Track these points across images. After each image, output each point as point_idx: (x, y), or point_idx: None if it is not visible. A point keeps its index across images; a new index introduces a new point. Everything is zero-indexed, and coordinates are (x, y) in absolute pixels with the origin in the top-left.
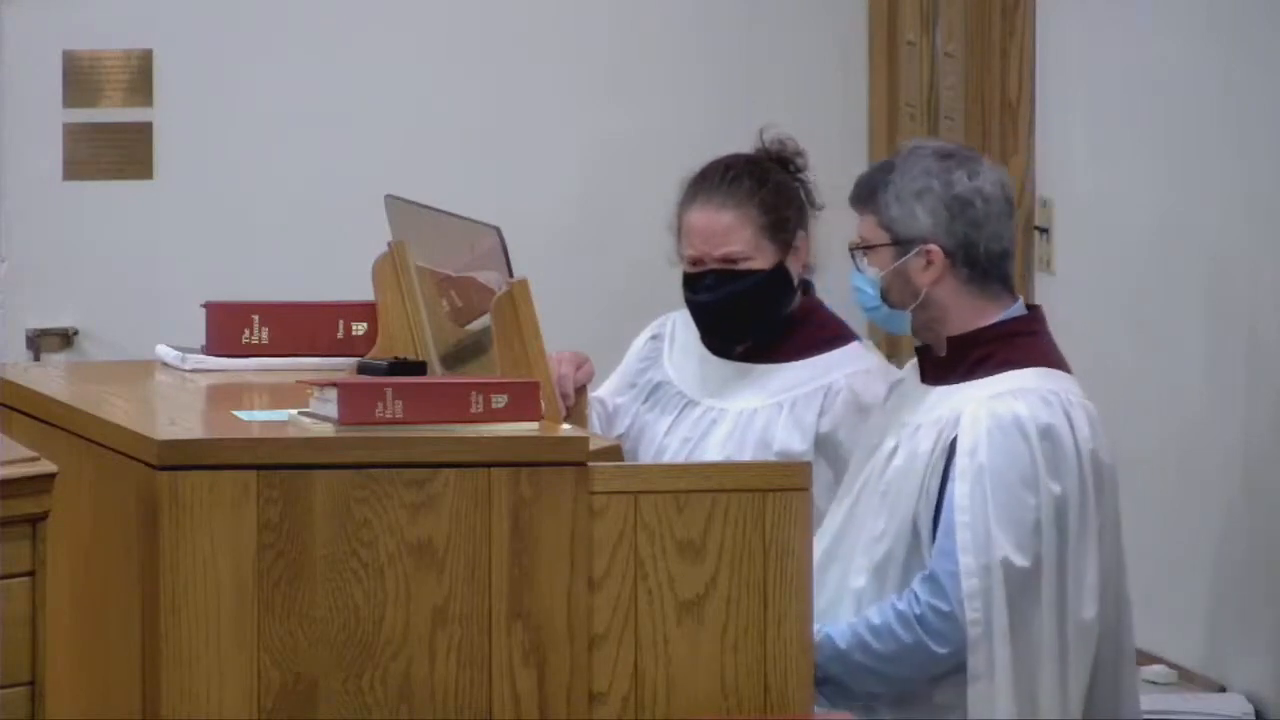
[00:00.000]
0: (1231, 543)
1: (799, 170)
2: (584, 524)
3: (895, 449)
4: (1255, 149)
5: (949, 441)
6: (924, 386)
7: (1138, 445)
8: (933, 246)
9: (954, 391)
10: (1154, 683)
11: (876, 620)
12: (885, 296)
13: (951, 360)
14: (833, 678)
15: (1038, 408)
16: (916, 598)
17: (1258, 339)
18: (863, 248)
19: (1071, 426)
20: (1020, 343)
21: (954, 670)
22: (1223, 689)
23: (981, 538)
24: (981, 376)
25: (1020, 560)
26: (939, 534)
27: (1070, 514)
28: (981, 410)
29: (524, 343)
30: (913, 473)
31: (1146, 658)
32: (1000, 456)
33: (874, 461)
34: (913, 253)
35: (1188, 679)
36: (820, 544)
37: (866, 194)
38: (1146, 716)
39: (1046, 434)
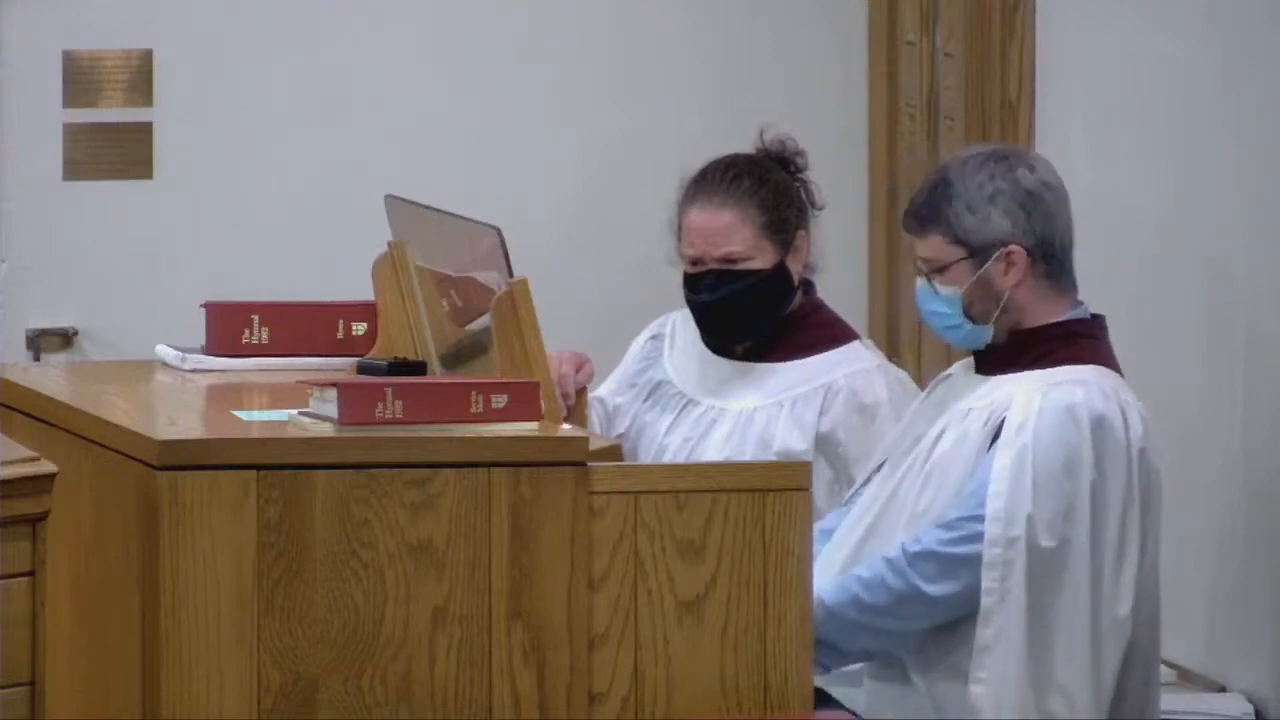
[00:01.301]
0: (1231, 543)
1: (799, 170)
2: (584, 524)
3: (944, 431)
4: (1255, 149)
5: (999, 421)
6: (978, 376)
7: None
8: (1014, 247)
9: (1011, 379)
10: None
11: (866, 574)
12: (967, 312)
13: (1012, 352)
14: (824, 640)
15: (1095, 398)
16: (918, 540)
17: (1257, 338)
18: (935, 270)
19: (1125, 422)
20: (1083, 343)
21: (948, 618)
22: (1223, 689)
23: (1013, 511)
24: (1041, 368)
25: (1047, 541)
26: (966, 491)
27: (1111, 506)
28: (1036, 393)
29: (524, 342)
30: (961, 452)
31: None
32: (1048, 437)
33: (920, 446)
34: (994, 258)
35: (1188, 679)
36: (862, 524)
37: (929, 215)
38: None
39: (1099, 424)
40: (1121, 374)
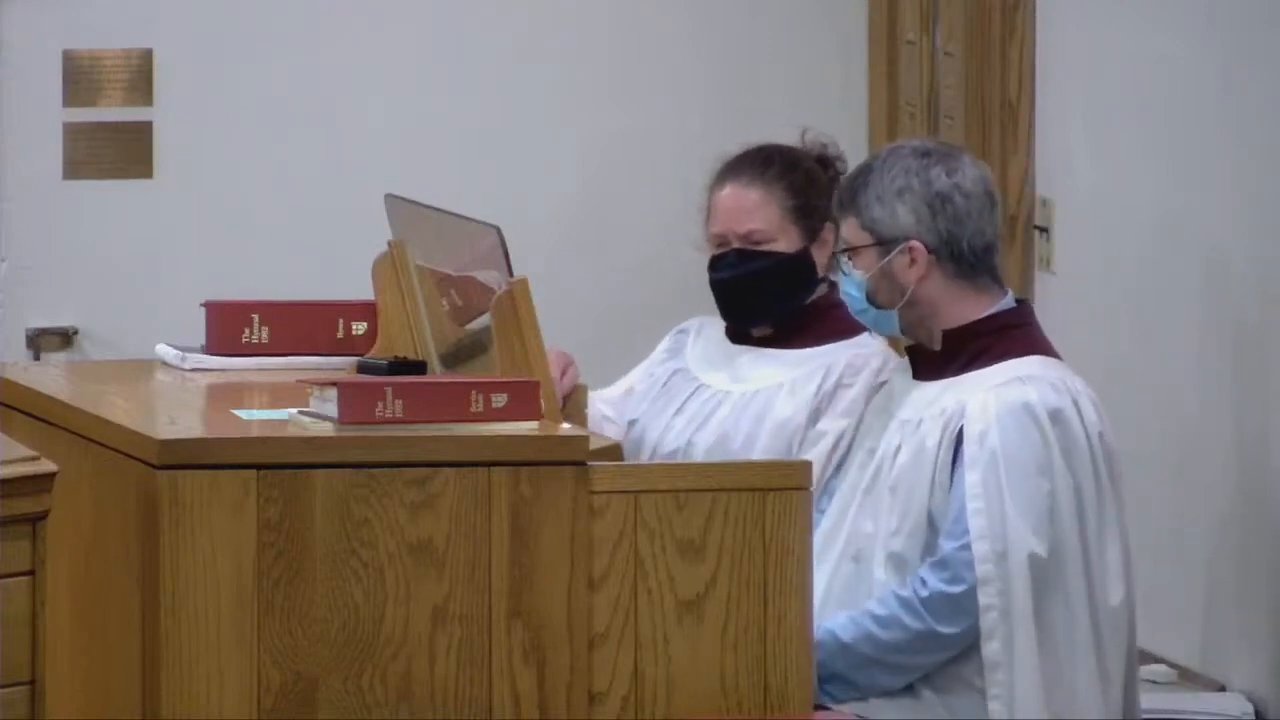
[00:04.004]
0: (1231, 542)
1: (836, 175)
2: (584, 524)
3: (899, 447)
4: (1255, 148)
5: (956, 431)
6: (918, 383)
7: (1137, 444)
8: (915, 243)
9: (955, 384)
10: (1154, 682)
11: (881, 611)
12: (872, 298)
13: (948, 354)
14: (838, 674)
15: (1046, 393)
16: (924, 582)
17: (1257, 338)
18: (847, 250)
19: (1079, 411)
20: (1016, 334)
21: (964, 650)
22: (1223, 689)
23: (997, 525)
24: (981, 367)
25: (1039, 547)
26: (949, 519)
27: (1087, 498)
28: (990, 398)
29: (524, 342)
30: (921, 467)
31: (1147, 657)
32: (1013, 442)
33: (876, 462)
34: (896, 251)
35: (1188, 679)
36: (835, 546)
37: (848, 198)
38: (1146, 716)
39: (1057, 418)
40: (1059, 357)
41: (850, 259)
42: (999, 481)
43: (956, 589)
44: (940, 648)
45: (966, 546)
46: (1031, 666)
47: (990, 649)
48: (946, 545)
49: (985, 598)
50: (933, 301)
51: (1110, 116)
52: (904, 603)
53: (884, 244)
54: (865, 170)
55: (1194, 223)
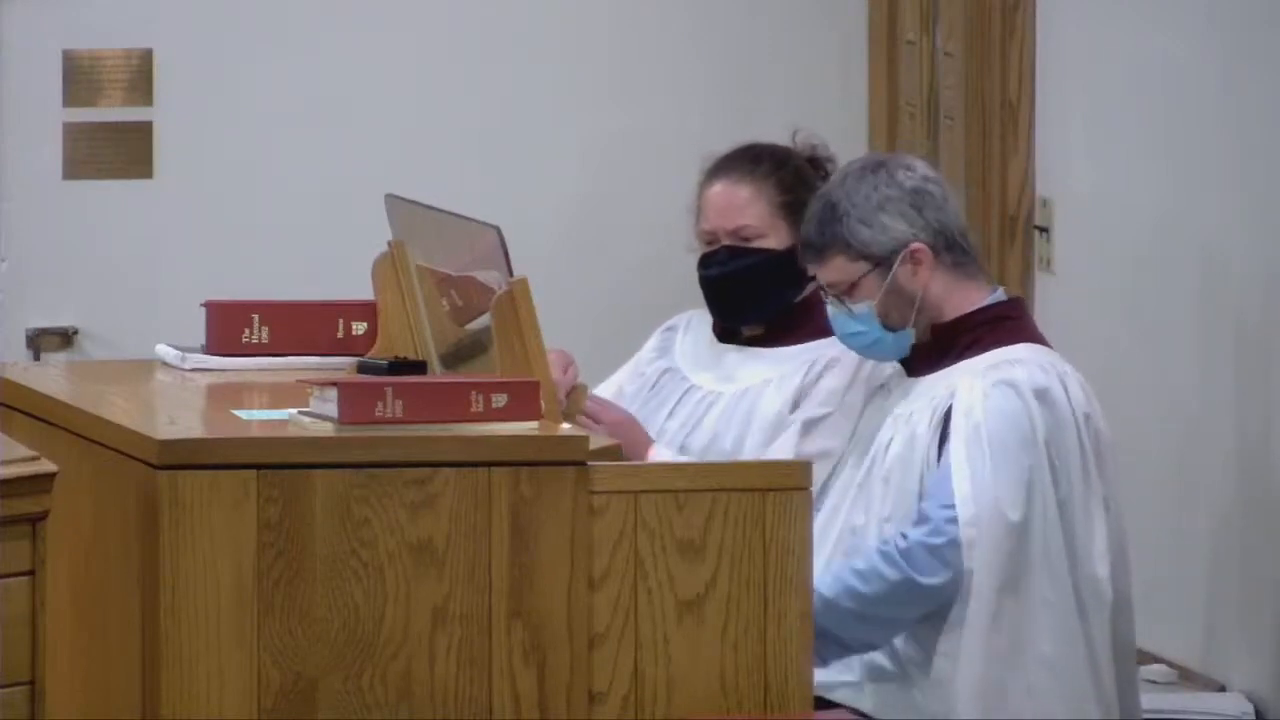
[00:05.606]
0: (1231, 542)
1: (825, 175)
2: (584, 524)
3: (891, 439)
4: (1255, 148)
5: (944, 413)
6: (913, 379)
7: (1137, 444)
8: (916, 245)
9: (946, 374)
10: (1154, 682)
11: (861, 565)
12: (885, 321)
13: (939, 348)
14: (823, 631)
15: (1034, 373)
16: (904, 536)
17: (1256, 338)
18: (846, 290)
19: (1066, 391)
20: (1008, 326)
21: (944, 604)
22: (1223, 689)
23: (979, 491)
24: (971, 357)
25: (1014, 516)
26: (933, 481)
27: (1071, 472)
28: (976, 380)
29: (524, 342)
30: (913, 453)
31: (1146, 657)
32: (997, 417)
33: (870, 457)
34: (899, 262)
35: (1188, 679)
36: (827, 541)
37: (825, 240)
38: (1146, 716)
39: (1043, 397)
40: (1050, 346)
41: (847, 298)
42: (982, 451)
43: (937, 540)
44: (921, 599)
45: (947, 505)
46: (982, 630)
47: (955, 610)
48: (928, 504)
49: (968, 560)
50: (937, 300)
51: (1110, 116)
52: (884, 555)
53: (883, 263)
54: (829, 207)
55: (1194, 223)
